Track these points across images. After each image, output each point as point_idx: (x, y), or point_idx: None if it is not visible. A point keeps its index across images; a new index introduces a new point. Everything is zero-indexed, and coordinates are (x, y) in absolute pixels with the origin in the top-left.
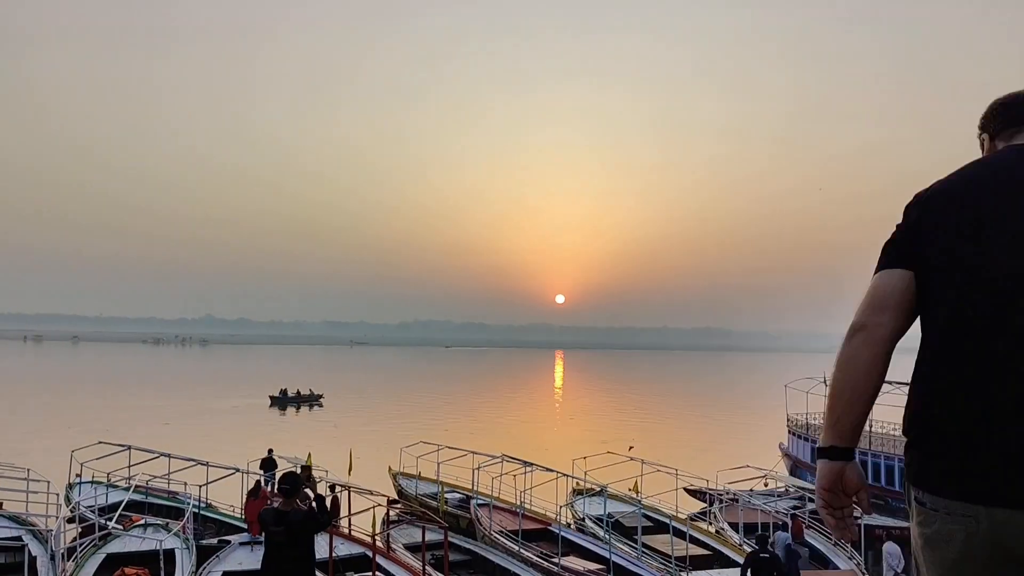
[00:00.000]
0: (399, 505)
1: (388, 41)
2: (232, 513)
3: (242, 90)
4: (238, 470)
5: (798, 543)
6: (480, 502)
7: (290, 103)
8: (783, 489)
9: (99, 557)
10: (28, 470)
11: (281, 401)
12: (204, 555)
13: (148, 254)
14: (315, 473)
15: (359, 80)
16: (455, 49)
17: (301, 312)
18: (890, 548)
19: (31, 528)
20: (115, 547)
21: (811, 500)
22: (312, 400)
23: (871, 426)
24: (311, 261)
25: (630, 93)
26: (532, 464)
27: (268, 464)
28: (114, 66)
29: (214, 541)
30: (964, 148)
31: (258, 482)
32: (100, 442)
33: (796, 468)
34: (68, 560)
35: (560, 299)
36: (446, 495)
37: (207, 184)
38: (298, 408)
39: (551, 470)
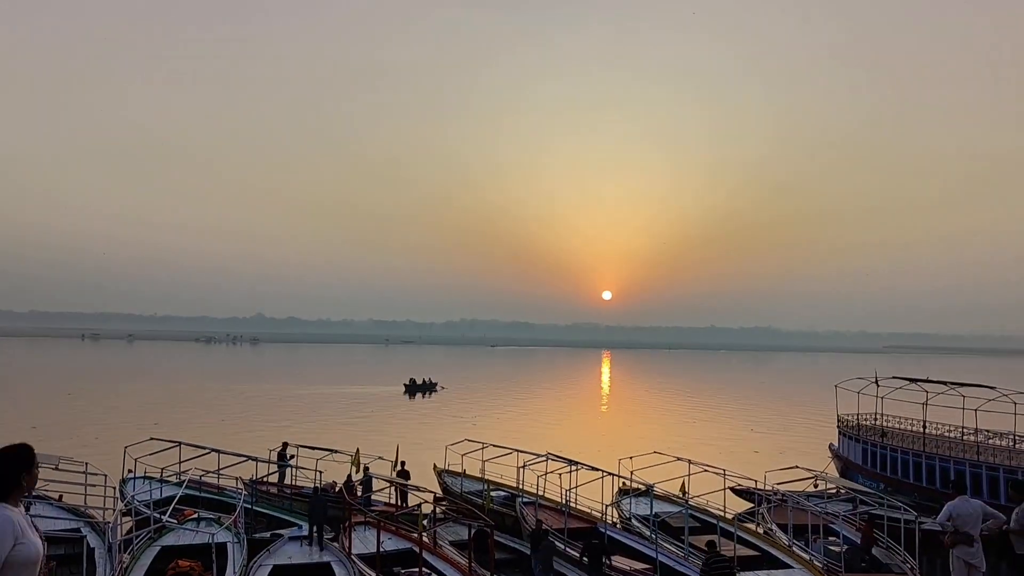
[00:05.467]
0: (444, 503)
1: (435, 43)
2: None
3: (293, 87)
4: (252, 459)
5: (864, 547)
6: (525, 500)
7: (336, 100)
8: (834, 491)
9: (154, 550)
10: (86, 464)
11: (412, 388)
12: (255, 549)
13: (200, 254)
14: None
15: (409, 82)
16: (505, 52)
17: (349, 311)
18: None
19: (89, 520)
20: (169, 540)
21: (863, 503)
22: (430, 388)
23: (925, 428)
24: (359, 261)
25: (681, 93)
26: (578, 463)
27: (282, 456)
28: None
29: (266, 535)
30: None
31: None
32: (152, 438)
33: (847, 470)
34: (124, 552)
35: (607, 295)
36: (491, 493)
37: (259, 185)
38: (424, 394)
39: (597, 469)
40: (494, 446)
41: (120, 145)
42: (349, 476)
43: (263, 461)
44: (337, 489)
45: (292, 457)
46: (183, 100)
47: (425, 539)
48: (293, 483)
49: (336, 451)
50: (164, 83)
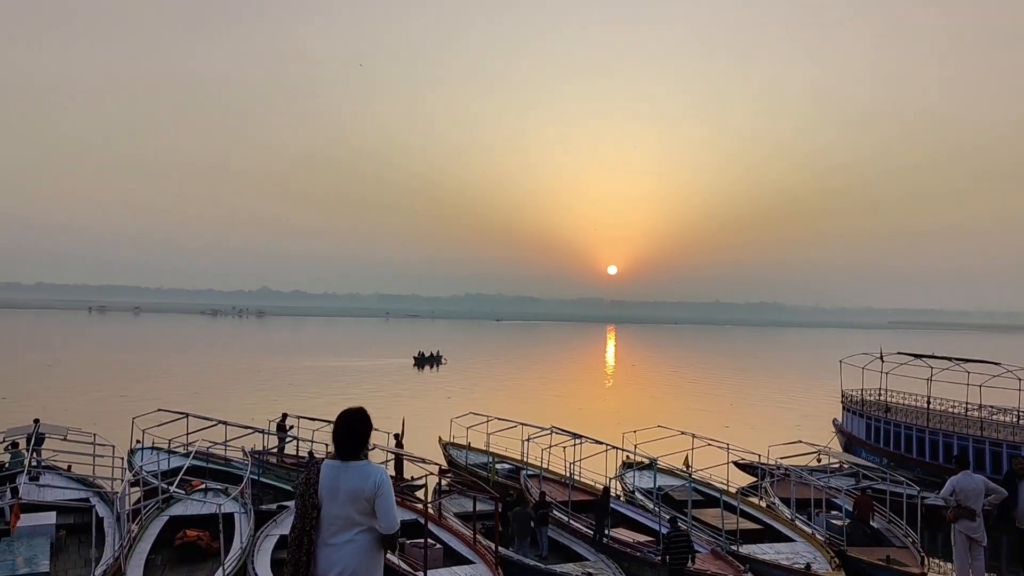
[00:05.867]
0: (450, 475)
1: (439, 14)
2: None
3: (302, 72)
4: (260, 431)
5: (859, 520)
6: (530, 473)
7: (345, 84)
8: (837, 465)
9: (162, 519)
10: (95, 435)
11: (420, 361)
12: (262, 520)
13: (207, 228)
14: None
15: (407, 62)
16: (507, 35)
17: (355, 285)
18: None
19: (98, 490)
20: (177, 510)
21: (866, 477)
22: (436, 360)
23: (929, 403)
24: (365, 235)
25: (682, 73)
26: (582, 436)
27: (281, 427)
28: (162, 52)
29: (273, 507)
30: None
31: None
32: (160, 409)
33: (850, 445)
34: (133, 521)
35: (612, 270)
36: (496, 465)
37: (265, 162)
38: (432, 366)
39: (601, 442)
40: (499, 419)
41: (128, 113)
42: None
43: (270, 433)
44: None
45: (291, 428)
46: (205, 74)
47: (430, 511)
48: (296, 454)
49: (330, 422)
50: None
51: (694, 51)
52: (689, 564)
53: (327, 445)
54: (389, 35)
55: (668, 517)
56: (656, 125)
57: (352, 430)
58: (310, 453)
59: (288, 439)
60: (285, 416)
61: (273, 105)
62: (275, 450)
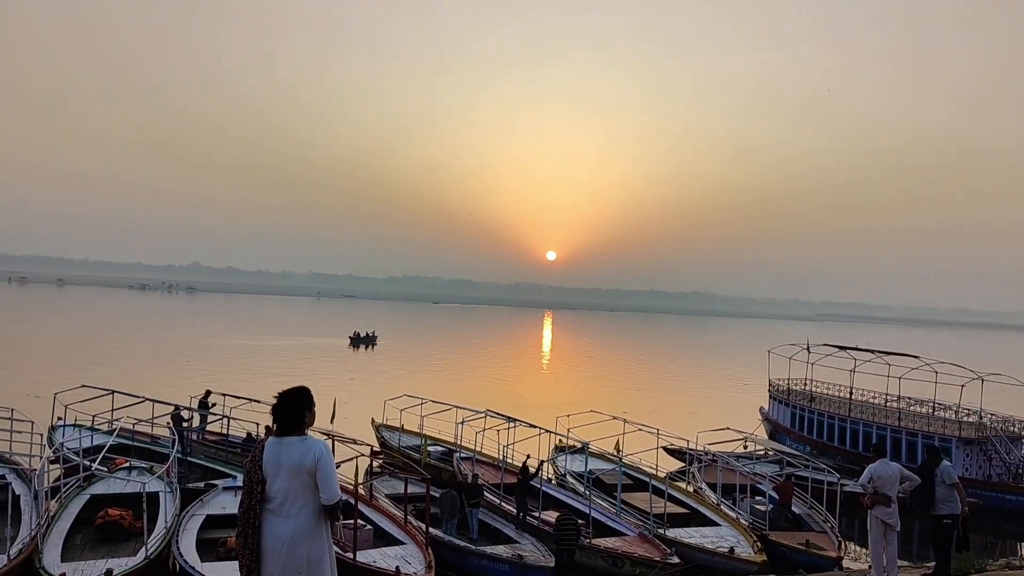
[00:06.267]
0: (382, 456)
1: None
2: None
3: (253, 42)
4: (187, 408)
5: (781, 505)
6: (463, 456)
7: (296, 56)
8: (762, 452)
9: (83, 498)
10: (12, 410)
11: (356, 341)
12: (188, 499)
13: (136, 200)
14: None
15: (352, 37)
16: (454, 22)
17: (289, 263)
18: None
19: (14, 467)
20: (99, 489)
21: (789, 464)
22: (371, 340)
23: (851, 394)
24: (299, 212)
25: (623, 64)
26: (515, 420)
27: (203, 404)
28: (149, 15)
29: (200, 485)
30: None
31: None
32: (83, 385)
33: (776, 432)
34: (52, 499)
35: (551, 256)
36: (429, 448)
37: (196, 134)
38: (366, 347)
39: (534, 426)
40: (433, 402)
41: (53, 75)
42: (267, 427)
43: (197, 411)
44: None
45: (214, 405)
46: (120, 33)
47: (361, 491)
48: (222, 432)
49: (258, 401)
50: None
51: (635, 42)
52: (577, 551)
53: (258, 424)
54: (344, 17)
55: (561, 513)
56: (597, 114)
57: (290, 407)
58: (248, 434)
59: (210, 417)
60: (208, 393)
61: (208, 78)
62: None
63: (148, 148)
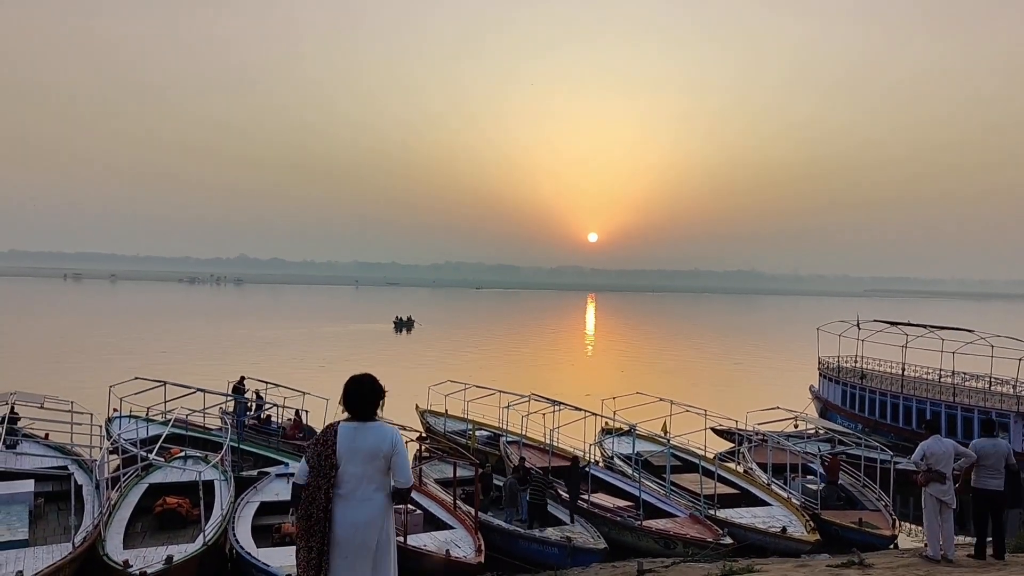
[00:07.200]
0: (428, 441)
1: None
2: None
3: (282, 36)
4: (239, 398)
5: (830, 483)
6: (509, 439)
7: (326, 50)
8: (813, 431)
9: (142, 487)
10: (72, 403)
11: (399, 325)
12: (242, 486)
13: (184, 196)
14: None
15: (389, 31)
16: (489, 6)
17: (333, 252)
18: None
19: (76, 458)
20: (156, 478)
21: (841, 443)
22: (409, 325)
23: (904, 370)
24: (343, 202)
25: (661, 46)
26: (561, 403)
27: (238, 389)
28: (184, 19)
29: (253, 473)
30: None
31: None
32: (137, 378)
33: (826, 410)
34: (112, 489)
35: (593, 237)
36: (475, 432)
37: (243, 128)
38: (407, 330)
39: (580, 409)
40: (477, 387)
41: (103, 81)
42: (296, 412)
43: (249, 401)
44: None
45: (249, 392)
46: (164, 40)
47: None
48: (258, 417)
49: (292, 388)
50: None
51: (675, 20)
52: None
53: (296, 410)
54: (373, 4)
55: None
56: (636, 94)
57: (367, 394)
58: (297, 412)
59: (248, 402)
60: (243, 379)
61: (252, 75)
62: (254, 416)
63: (192, 148)
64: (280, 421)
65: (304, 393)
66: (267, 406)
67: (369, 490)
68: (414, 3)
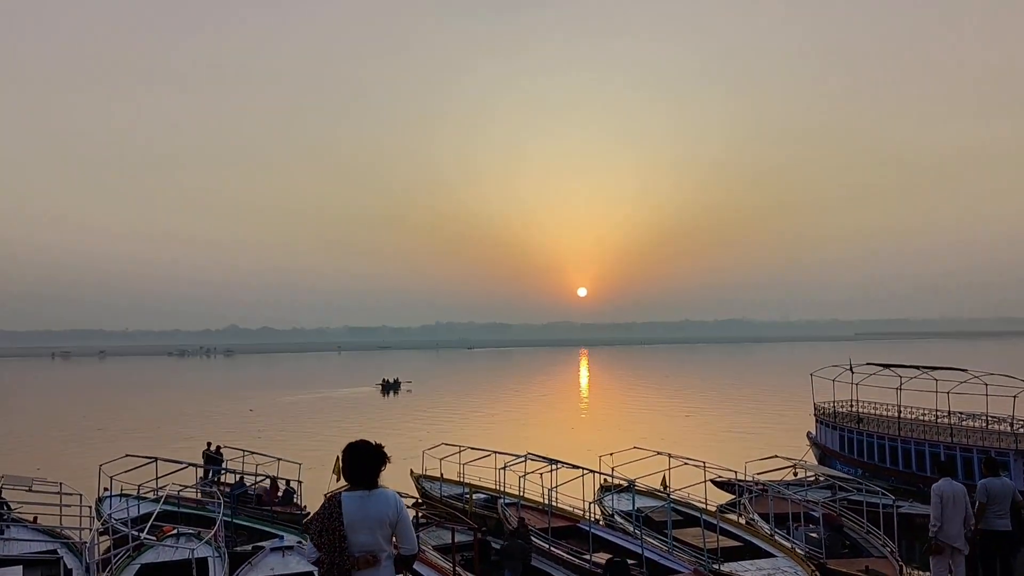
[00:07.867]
0: (424, 507)
1: (401, 54)
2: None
3: (263, 94)
4: (231, 471)
5: (832, 531)
6: (507, 502)
7: (302, 111)
8: (813, 478)
9: (133, 568)
10: (60, 484)
11: (386, 387)
12: (237, 562)
13: (171, 266)
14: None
15: (370, 90)
16: (477, 58)
17: (323, 319)
18: None
19: (65, 541)
20: (148, 558)
21: (842, 489)
22: (396, 387)
23: (899, 412)
24: (331, 269)
25: (647, 93)
26: (558, 461)
27: (211, 459)
28: (114, 88)
29: (248, 548)
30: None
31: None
32: (127, 455)
33: (825, 457)
34: (103, 572)
35: (582, 292)
36: (472, 496)
37: (228, 193)
38: (394, 392)
39: (577, 467)
40: (472, 448)
41: (84, 153)
42: (272, 479)
43: (244, 474)
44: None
45: (223, 460)
46: (147, 107)
47: None
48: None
49: (263, 454)
50: (126, 88)
51: (666, 69)
52: None
53: (272, 477)
54: (382, 62)
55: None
56: (624, 148)
57: (371, 461)
58: (272, 479)
59: (222, 470)
60: (219, 448)
61: (254, 144)
62: (246, 488)
63: (177, 215)
64: (255, 487)
65: (278, 459)
66: (239, 475)
67: (380, 558)
68: (418, 71)
